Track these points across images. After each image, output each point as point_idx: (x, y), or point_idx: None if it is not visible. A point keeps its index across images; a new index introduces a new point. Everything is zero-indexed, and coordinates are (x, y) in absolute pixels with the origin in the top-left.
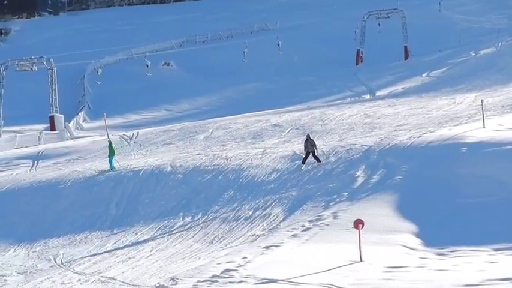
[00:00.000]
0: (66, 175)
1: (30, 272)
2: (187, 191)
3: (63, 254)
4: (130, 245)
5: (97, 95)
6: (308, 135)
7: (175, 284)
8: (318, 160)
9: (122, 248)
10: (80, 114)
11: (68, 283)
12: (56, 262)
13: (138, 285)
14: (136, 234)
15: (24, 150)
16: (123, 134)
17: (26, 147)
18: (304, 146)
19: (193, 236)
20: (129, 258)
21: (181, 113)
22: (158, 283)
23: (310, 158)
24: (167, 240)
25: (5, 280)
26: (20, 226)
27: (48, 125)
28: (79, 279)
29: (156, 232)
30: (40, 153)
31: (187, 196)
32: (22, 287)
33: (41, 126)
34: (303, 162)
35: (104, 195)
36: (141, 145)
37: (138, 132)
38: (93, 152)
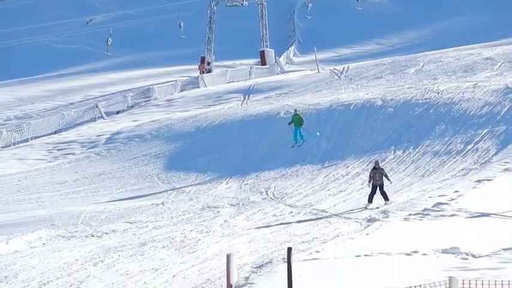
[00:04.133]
0: (277, 109)
1: (243, 204)
2: (398, 125)
3: (274, 187)
4: (341, 178)
5: (307, 29)
6: (377, 163)
7: (387, 217)
8: (386, 198)
9: (333, 181)
10: (290, 48)
11: (280, 215)
12: (267, 195)
13: (349, 218)
14: (347, 167)
15: (236, 85)
16: (334, 68)
17: (237, 82)
18: (370, 176)
19: (404, 170)
20: (340, 191)
21: (392, 47)
22: (369, 216)
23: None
24: None
25: (218, 211)
26: (232, 159)
27: (259, 59)
28: (291, 212)
29: (366, 166)
30: (251, 87)
31: (398, 130)
32: (235, 218)
33: (251, 61)
34: (369, 201)
35: (314, 129)
36: (351, 79)
37: (348, 66)
38: (304, 86)
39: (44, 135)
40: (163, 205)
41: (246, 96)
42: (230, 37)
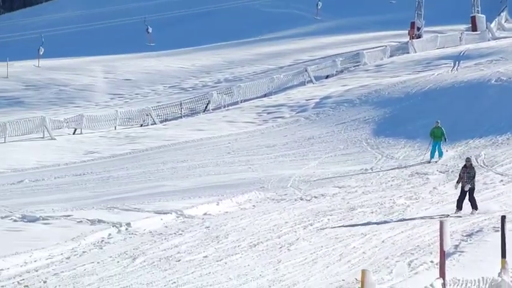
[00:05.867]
0: (488, 76)
1: (452, 171)
2: None
3: (484, 155)
4: None
5: None
6: (468, 160)
7: None
8: (474, 206)
9: None
10: (501, 14)
11: (490, 183)
12: (477, 162)
13: None
14: None
15: (446, 51)
16: None
17: (447, 48)
18: (460, 176)
19: None
20: None
21: None
22: None
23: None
24: None
25: (427, 178)
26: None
27: (470, 25)
28: (501, 180)
29: None
30: (461, 53)
31: None
32: (444, 185)
33: (462, 27)
34: (458, 207)
35: None
36: None
37: None
38: None
39: (254, 98)
40: (372, 170)
41: (456, 63)
42: (440, 2)
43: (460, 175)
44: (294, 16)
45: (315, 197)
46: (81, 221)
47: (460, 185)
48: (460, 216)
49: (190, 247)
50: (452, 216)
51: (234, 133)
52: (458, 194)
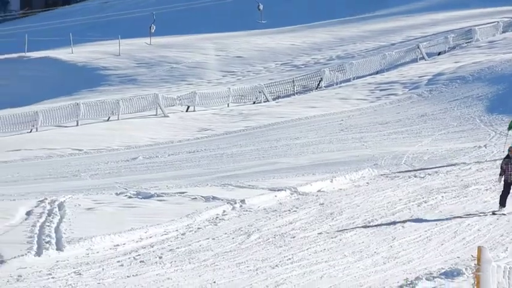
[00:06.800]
0: None
1: None
2: None
3: None
4: None
5: None
6: (510, 150)
7: None
8: (502, 203)
9: None
10: None
11: None
12: None
13: None
14: None
15: None
16: None
17: None
18: (502, 168)
19: None
20: None
21: None
22: None
23: None
24: None
25: None
26: None
27: None
28: None
29: None
30: None
31: None
32: None
33: None
34: (502, 204)
35: None
36: None
37: None
38: None
39: (366, 75)
40: (485, 148)
41: None
42: None
43: (501, 167)
44: None
45: (429, 174)
46: (195, 198)
47: (503, 178)
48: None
49: (305, 224)
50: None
51: (347, 110)
52: (502, 190)
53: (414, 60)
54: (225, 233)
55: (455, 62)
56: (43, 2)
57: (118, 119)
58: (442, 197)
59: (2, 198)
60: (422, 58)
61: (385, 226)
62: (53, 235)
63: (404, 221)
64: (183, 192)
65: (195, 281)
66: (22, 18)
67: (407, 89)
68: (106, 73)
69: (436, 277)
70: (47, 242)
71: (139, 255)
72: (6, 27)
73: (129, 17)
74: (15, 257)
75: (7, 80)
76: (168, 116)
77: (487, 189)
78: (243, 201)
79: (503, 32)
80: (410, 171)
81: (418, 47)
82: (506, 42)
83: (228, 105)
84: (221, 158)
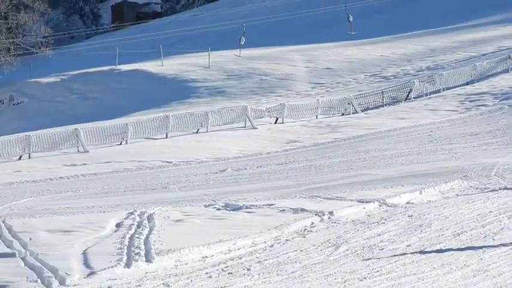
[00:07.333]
0: None
1: None
2: None
3: None
4: None
5: None
6: None
7: None
8: None
9: None
10: None
11: None
12: None
13: None
14: None
15: None
16: None
17: None
18: None
19: None
20: None
21: None
22: None
23: None
24: None
25: None
26: None
27: None
28: None
29: None
30: None
31: None
32: None
33: None
34: None
35: None
36: None
37: None
38: None
39: (456, 86)
40: None
41: None
42: None
43: None
44: (494, 1)
45: None
46: (283, 210)
47: None
48: None
49: (393, 236)
50: None
51: (436, 121)
52: None
53: (505, 71)
54: (313, 245)
55: None
56: (134, 16)
57: (207, 131)
58: None
59: (92, 210)
60: None
61: (475, 238)
62: (142, 247)
63: (494, 233)
64: (272, 204)
65: None
66: (113, 31)
67: (498, 100)
68: (195, 85)
69: None
70: (136, 254)
71: (227, 266)
72: (98, 40)
73: (218, 29)
74: (105, 269)
75: (99, 92)
76: (256, 128)
77: None
78: (331, 213)
79: None
80: (501, 182)
81: (510, 57)
82: None
83: (316, 117)
84: (309, 169)
